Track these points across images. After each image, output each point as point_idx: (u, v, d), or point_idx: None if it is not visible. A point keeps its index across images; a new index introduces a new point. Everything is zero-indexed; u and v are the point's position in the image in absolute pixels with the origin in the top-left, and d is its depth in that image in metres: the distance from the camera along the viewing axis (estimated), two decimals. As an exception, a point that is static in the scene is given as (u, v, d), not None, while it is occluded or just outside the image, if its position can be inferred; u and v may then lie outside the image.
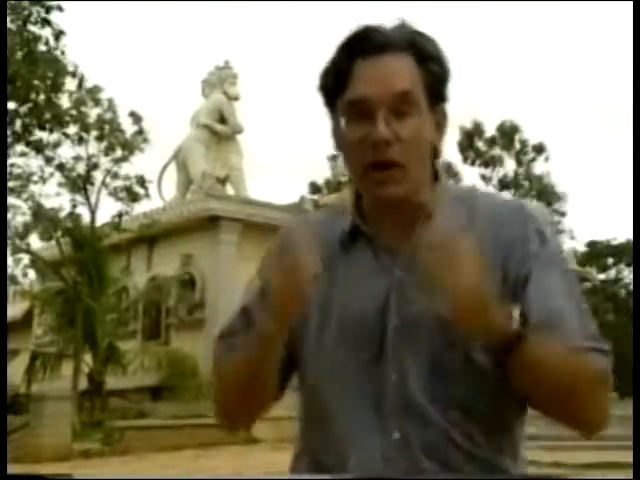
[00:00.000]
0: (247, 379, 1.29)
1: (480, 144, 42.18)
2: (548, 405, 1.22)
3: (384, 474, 1.21)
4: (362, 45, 1.25)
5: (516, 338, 1.15)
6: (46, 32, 16.12)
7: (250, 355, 1.26)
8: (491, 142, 42.05)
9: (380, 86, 1.24)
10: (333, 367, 1.28)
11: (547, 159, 41.90)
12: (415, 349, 1.24)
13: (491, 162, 42.24)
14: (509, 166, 42.37)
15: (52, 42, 16.15)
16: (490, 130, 42.36)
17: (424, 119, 1.26)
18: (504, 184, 41.97)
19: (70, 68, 16.77)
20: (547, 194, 41.23)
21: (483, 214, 1.30)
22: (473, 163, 42.42)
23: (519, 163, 42.09)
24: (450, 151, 46.64)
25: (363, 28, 1.27)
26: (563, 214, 42.01)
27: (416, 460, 1.21)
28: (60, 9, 16.21)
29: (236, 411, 1.37)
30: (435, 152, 1.32)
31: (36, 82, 15.83)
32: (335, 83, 1.27)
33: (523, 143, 42.02)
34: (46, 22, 15.90)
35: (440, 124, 1.31)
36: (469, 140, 41.98)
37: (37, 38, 15.96)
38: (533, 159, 41.97)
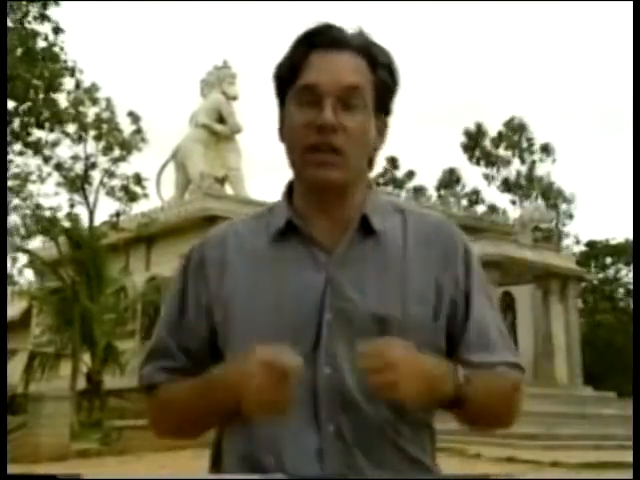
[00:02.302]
0: (193, 422, 1.34)
1: (486, 143, 42.00)
2: (478, 422, 1.35)
3: (319, 467, 1.22)
4: (320, 39, 1.30)
5: (464, 390, 1.23)
6: (45, 28, 16.13)
7: (198, 411, 1.28)
8: (498, 139, 41.78)
9: (332, 76, 1.28)
10: None
11: (554, 161, 41.79)
12: (350, 344, 1.24)
13: (497, 161, 42.07)
14: (515, 165, 42.29)
15: (51, 38, 16.13)
16: (495, 128, 42.31)
17: (369, 118, 1.30)
18: (508, 184, 41.84)
19: (69, 64, 16.73)
20: (553, 195, 41.11)
21: (414, 227, 1.36)
22: (478, 162, 42.27)
23: (523, 162, 41.91)
24: (453, 154, 46.61)
25: (323, 24, 1.32)
26: (571, 216, 41.98)
27: (350, 453, 1.23)
28: (56, 2, 16.16)
29: (184, 433, 1.41)
30: (370, 161, 1.36)
31: (35, 80, 15.79)
32: (290, 71, 1.31)
33: (530, 141, 41.89)
34: (44, 17, 15.86)
35: (380, 131, 1.35)
36: (474, 141, 41.85)
37: (36, 34, 15.92)
38: (540, 159, 41.79)
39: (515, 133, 41.69)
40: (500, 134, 41.88)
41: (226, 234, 1.39)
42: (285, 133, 1.34)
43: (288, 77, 1.31)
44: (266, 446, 1.25)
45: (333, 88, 1.27)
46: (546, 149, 41.71)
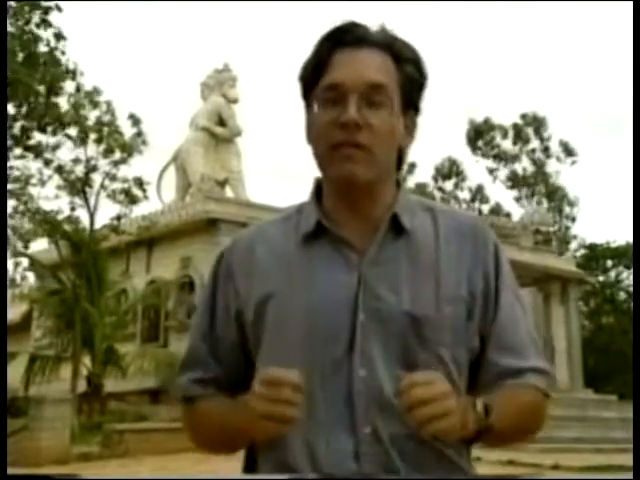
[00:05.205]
0: (224, 443, 1.34)
1: (498, 138, 41.43)
2: (500, 444, 1.34)
3: (356, 469, 1.21)
4: (343, 37, 1.29)
5: (486, 422, 1.20)
6: (46, 34, 16.14)
7: (224, 435, 1.30)
8: (516, 134, 41.23)
9: (356, 74, 1.27)
10: (302, 363, 1.23)
11: (574, 163, 41.37)
12: (384, 345, 1.24)
13: (503, 156, 41.62)
14: (523, 162, 41.90)
15: (53, 42, 16.15)
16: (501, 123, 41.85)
17: (395, 116, 1.29)
18: (514, 181, 41.55)
19: (70, 67, 16.74)
20: (558, 197, 40.94)
21: (444, 225, 1.34)
22: (480, 150, 41.81)
23: (535, 163, 41.63)
24: (457, 147, 45.92)
25: (346, 22, 1.31)
26: (573, 219, 41.88)
27: (387, 455, 1.22)
28: (59, 9, 16.20)
29: (218, 450, 1.41)
30: (400, 159, 1.34)
31: (36, 85, 15.80)
32: (314, 71, 1.30)
33: (545, 140, 41.41)
34: (45, 23, 15.88)
35: (409, 130, 1.34)
36: (478, 135, 41.50)
37: (37, 39, 15.94)
38: (558, 159, 41.37)
39: (530, 126, 41.02)
40: (515, 125, 41.24)
41: (255, 237, 1.38)
42: (311, 134, 1.32)
43: (313, 77, 1.30)
44: (302, 450, 1.24)
45: (357, 85, 1.25)
46: (567, 148, 41.24)
